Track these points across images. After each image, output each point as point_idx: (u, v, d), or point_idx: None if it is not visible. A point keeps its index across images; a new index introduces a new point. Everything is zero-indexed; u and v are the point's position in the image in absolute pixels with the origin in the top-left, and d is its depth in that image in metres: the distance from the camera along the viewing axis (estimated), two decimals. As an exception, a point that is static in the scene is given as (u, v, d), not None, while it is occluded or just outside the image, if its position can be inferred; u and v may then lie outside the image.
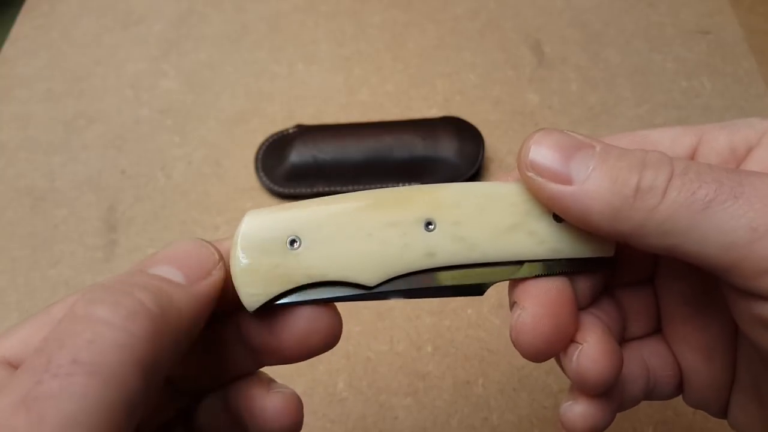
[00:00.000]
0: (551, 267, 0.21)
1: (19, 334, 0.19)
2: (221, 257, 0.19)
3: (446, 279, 0.20)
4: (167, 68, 0.56)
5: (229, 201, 0.48)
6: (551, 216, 0.20)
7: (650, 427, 0.38)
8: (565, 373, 0.21)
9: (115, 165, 0.50)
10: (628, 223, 0.18)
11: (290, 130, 0.50)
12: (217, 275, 0.19)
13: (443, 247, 0.20)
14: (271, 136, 0.50)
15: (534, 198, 0.20)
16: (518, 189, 0.20)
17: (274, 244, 0.19)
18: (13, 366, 0.18)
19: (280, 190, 0.47)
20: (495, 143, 0.50)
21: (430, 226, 0.20)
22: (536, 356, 0.20)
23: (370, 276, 0.20)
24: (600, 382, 0.20)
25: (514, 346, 0.20)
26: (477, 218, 0.20)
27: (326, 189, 0.47)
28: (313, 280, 0.19)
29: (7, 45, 0.59)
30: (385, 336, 0.41)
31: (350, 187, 0.47)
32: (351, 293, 0.20)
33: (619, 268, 0.23)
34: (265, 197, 0.48)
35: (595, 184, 0.18)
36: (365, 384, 0.40)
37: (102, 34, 0.59)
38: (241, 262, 0.19)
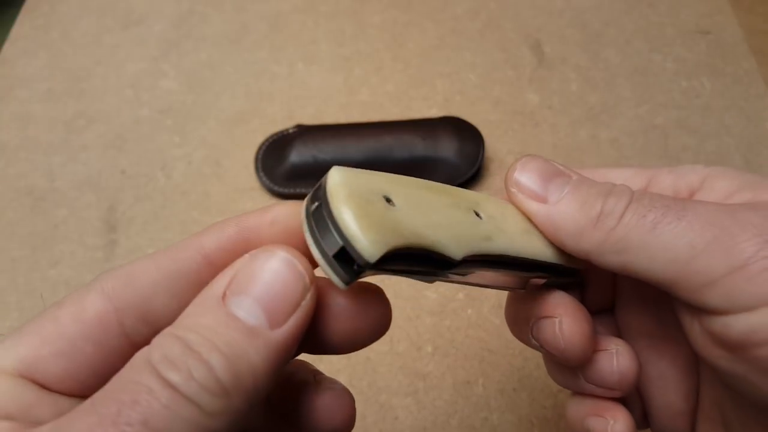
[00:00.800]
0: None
1: (26, 342, 0.17)
2: (313, 279, 0.17)
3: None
4: (167, 68, 0.56)
5: (229, 201, 0.48)
6: None
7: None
8: (592, 383, 0.23)
9: (115, 165, 0.50)
10: (590, 242, 0.20)
11: (290, 130, 0.50)
12: (306, 306, 0.16)
13: (494, 234, 0.20)
14: (271, 136, 0.50)
15: None
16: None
17: (374, 195, 0.17)
18: (26, 378, 0.17)
19: (280, 190, 0.47)
20: (495, 143, 0.50)
21: (478, 215, 0.20)
22: (585, 357, 0.22)
23: (456, 249, 0.18)
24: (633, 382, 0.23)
25: (562, 354, 0.22)
26: (503, 218, 0.21)
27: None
28: (419, 242, 0.17)
29: (7, 45, 0.59)
30: (385, 336, 0.41)
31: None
32: (433, 268, 0.18)
33: (581, 294, 0.25)
34: (266, 197, 0.48)
35: (566, 205, 0.20)
36: (365, 384, 0.40)
37: (102, 34, 0.59)
38: (347, 206, 0.16)
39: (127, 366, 0.15)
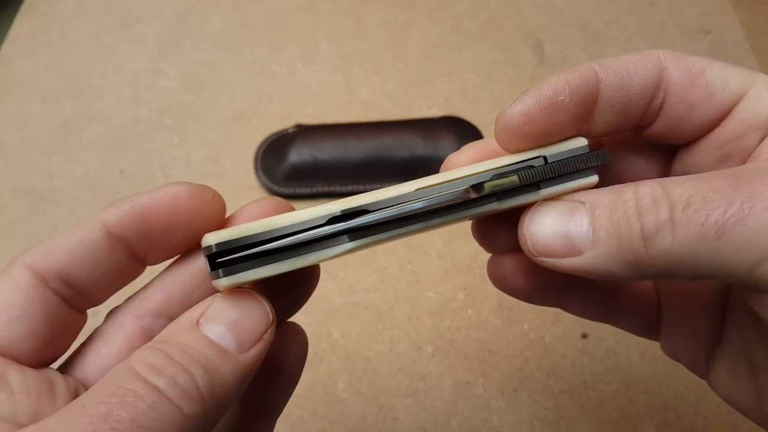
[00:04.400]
0: None
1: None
2: (274, 318, 0.19)
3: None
4: (166, 68, 0.56)
5: (228, 201, 0.48)
6: None
7: (651, 428, 0.37)
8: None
9: (114, 165, 0.50)
10: (651, 271, 0.17)
11: (290, 130, 0.50)
12: (267, 339, 0.19)
13: None
14: (271, 136, 0.50)
15: None
16: None
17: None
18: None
19: (280, 190, 0.47)
20: (495, 143, 0.50)
21: None
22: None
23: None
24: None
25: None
26: None
27: (326, 189, 0.47)
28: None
29: (5, 44, 0.58)
30: (385, 336, 0.41)
31: (350, 187, 0.47)
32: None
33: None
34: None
35: (602, 247, 0.18)
36: (365, 385, 0.40)
37: (101, 33, 0.59)
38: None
39: (110, 374, 0.17)
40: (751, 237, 0.16)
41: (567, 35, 0.57)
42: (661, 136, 0.21)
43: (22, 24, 0.60)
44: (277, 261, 0.18)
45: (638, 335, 0.25)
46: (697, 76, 0.20)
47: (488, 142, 0.21)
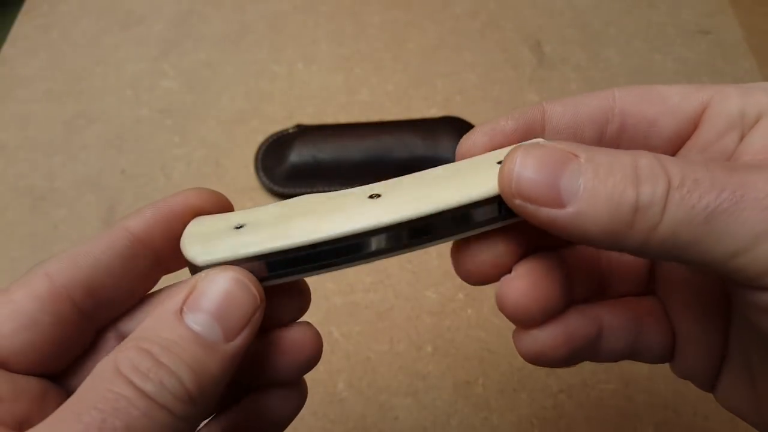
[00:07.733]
0: None
1: None
2: (262, 298, 0.19)
3: None
4: (167, 68, 0.56)
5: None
6: None
7: (651, 427, 0.38)
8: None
9: (115, 165, 0.50)
10: (630, 243, 0.17)
11: (290, 130, 0.50)
12: (256, 322, 0.18)
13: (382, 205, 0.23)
14: (271, 136, 0.50)
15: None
16: None
17: (219, 226, 0.21)
18: None
19: (280, 190, 0.47)
20: (495, 143, 0.50)
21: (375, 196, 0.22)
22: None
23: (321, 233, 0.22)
24: (515, 310, 0.20)
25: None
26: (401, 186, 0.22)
27: (326, 189, 0.47)
28: (249, 251, 0.20)
29: (6, 45, 0.59)
30: (385, 336, 0.41)
31: (350, 187, 0.47)
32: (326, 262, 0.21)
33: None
34: (265, 197, 0.48)
35: (589, 204, 0.17)
36: (365, 384, 0.40)
37: (102, 34, 0.59)
38: (187, 239, 0.20)
39: (96, 374, 0.16)
40: (738, 226, 0.16)
41: (567, 36, 0.57)
42: None
43: (23, 24, 0.60)
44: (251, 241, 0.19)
45: (654, 363, 0.24)
46: (649, 92, 0.21)
47: (497, 125, 0.22)
